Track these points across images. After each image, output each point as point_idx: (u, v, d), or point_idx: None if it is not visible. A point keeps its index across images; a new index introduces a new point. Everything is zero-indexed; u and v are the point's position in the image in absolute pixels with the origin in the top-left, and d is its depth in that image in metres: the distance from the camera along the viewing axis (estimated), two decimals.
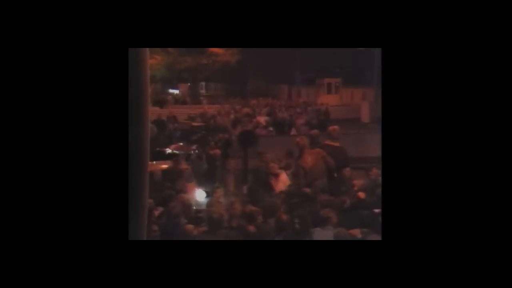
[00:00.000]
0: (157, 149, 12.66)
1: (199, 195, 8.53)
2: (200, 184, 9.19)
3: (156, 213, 6.86)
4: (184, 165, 10.71)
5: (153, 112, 18.91)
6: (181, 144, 14.56)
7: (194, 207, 7.64)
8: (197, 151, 12.81)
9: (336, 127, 9.42)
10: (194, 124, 18.31)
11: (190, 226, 6.21)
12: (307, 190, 7.87)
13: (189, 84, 39.08)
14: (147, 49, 2.02)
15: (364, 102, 28.27)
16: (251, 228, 6.21)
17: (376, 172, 8.11)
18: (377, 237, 5.02)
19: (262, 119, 18.15)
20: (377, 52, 25.32)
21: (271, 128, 16.87)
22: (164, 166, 10.51)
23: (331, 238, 5.76)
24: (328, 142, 8.91)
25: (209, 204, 7.57)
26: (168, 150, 13.21)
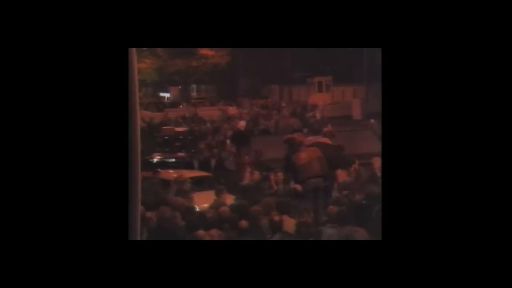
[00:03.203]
0: (147, 157, 12.28)
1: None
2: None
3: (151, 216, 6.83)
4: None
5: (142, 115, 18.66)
6: (167, 150, 14.28)
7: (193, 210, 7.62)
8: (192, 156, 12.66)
9: (330, 128, 9.51)
10: (178, 129, 17.79)
11: (201, 232, 6.17)
12: (298, 187, 7.89)
13: (179, 87, 39.01)
14: (134, 50, 2.01)
15: (355, 100, 28.32)
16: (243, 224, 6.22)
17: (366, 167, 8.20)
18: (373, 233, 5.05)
19: (242, 123, 17.67)
20: (366, 50, 25.41)
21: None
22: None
23: (326, 237, 5.78)
24: (323, 140, 8.93)
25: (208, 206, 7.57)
26: (157, 158, 12.84)
